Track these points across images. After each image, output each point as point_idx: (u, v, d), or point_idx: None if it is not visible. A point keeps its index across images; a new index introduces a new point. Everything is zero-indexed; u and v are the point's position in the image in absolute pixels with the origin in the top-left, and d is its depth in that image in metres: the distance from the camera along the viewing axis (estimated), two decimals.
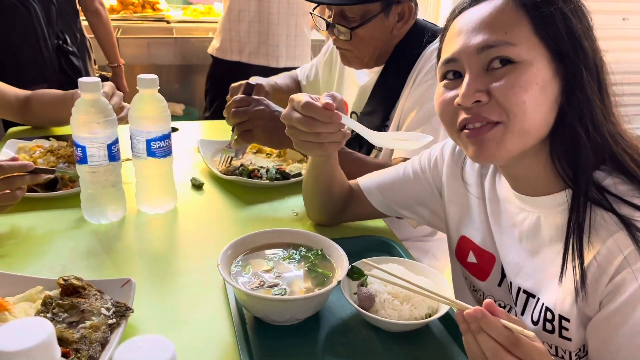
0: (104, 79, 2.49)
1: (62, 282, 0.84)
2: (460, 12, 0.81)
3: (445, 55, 0.80)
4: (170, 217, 1.20)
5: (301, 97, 0.90)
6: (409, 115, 1.27)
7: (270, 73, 2.38)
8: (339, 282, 0.83)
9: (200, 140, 1.50)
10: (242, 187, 1.31)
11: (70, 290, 0.85)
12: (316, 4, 1.41)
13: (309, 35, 2.59)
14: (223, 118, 1.87)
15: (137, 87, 1.12)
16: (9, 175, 1.05)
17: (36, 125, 1.64)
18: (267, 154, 1.51)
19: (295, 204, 1.26)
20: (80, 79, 1.05)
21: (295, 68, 2.48)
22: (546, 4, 0.73)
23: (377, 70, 1.41)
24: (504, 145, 0.75)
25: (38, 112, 1.55)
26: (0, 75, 2.00)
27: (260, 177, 1.30)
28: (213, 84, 2.52)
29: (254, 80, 1.48)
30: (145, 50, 2.99)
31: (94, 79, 1.06)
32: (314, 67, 1.71)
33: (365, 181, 1.12)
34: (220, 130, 1.70)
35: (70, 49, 2.17)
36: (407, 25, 1.35)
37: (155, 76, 1.12)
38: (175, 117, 1.08)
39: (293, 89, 1.73)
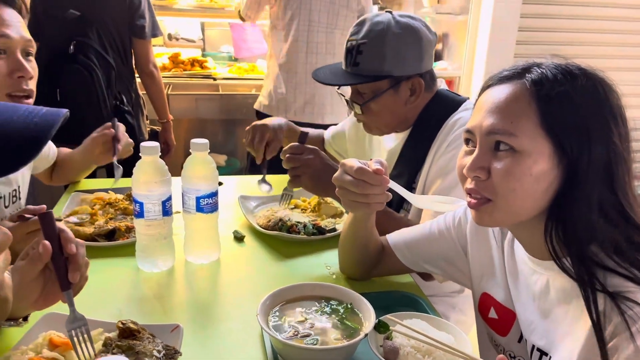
0: (154, 133, 2.70)
1: (121, 326, 0.96)
2: (488, 86, 0.90)
3: (467, 124, 0.91)
4: (214, 268, 1.31)
5: (353, 163, 1.03)
6: (434, 184, 1.35)
7: (316, 127, 2.53)
8: (366, 335, 0.91)
9: (240, 196, 1.63)
10: (281, 240, 1.42)
11: (127, 332, 0.96)
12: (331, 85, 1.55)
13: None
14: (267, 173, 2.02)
15: (190, 150, 1.26)
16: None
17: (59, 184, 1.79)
18: (302, 209, 1.61)
19: (328, 258, 1.36)
20: (142, 144, 1.19)
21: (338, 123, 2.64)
22: (559, 100, 0.80)
23: (402, 137, 1.51)
24: (495, 219, 0.85)
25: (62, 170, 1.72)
26: (65, 133, 2.21)
27: (298, 232, 1.41)
28: None
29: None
30: (193, 105, 3.21)
31: (153, 143, 1.20)
32: (341, 128, 1.83)
33: (394, 238, 1.21)
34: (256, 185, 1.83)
35: (126, 108, 2.39)
36: (421, 98, 1.43)
37: (206, 141, 1.26)
38: (218, 168, 1.22)
39: (318, 142, 1.85)
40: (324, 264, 1.33)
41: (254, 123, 1.61)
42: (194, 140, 1.25)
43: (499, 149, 0.84)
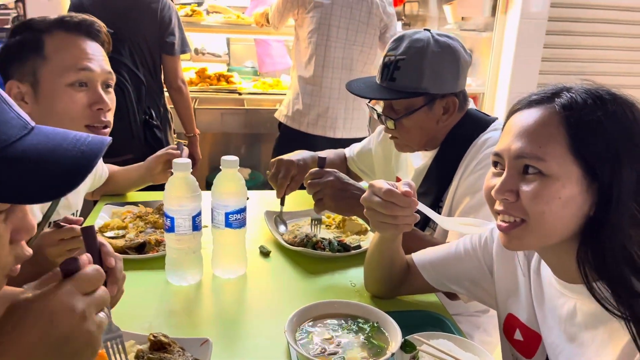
0: (182, 148, 2.76)
1: (152, 338, 0.98)
2: (517, 110, 0.91)
3: (496, 147, 0.92)
4: (241, 282, 1.33)
5: (382, 184, 1.05)
6: (462, 202, 1.36)
7: (329, 143, 2.57)
8: (393, 354, 0.92)
9: (266, 211, 1.65)
10: (306, 257, 1.44)
11: (158, 345, 0.98)
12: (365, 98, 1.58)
13: (366, 108, 2.77)
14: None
15: (220, 167, 1.29)
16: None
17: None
18: (326, 225, 1.63)
19: (353, 275, 1.37)
20: (174, 160, 1.23)
21: (352, 139, 2.66)
22: (589, 126, 0.80)
23: (430, 155, 1.52)
24: (526, 243, 0.86)
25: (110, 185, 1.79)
26: None
27: (324, 249, 1.43)
28: (279, 153, 2.72)
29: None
30: (218, 119, 3.27)
31: (185, 160, 1.24)
32: (366, 145, 1.84)
33: (419, 257, 1.22)
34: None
35: (155, 122, 2.45)
36: (453, 117, 1.44)
37: (236, 158, 1.29)
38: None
39: (337, 163, 1.87)
40: (349, 281, 1.34)
41: (279, 157, 1.61)
42: (224, 158, 1.28)
43: (528, 172, 0.84)
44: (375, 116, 1.50)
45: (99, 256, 0.89)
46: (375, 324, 1.03)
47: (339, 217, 1.63)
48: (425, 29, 1.44)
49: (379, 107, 1.54)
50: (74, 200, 1.48)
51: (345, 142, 2.62)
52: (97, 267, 0.69)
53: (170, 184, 1.24)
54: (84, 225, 0.92)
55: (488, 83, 3.64)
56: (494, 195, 0.88)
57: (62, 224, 1.18)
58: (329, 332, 1.01)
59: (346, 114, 2.65)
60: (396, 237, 1.14)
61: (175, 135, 2.72)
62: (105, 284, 0.86)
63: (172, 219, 1.24)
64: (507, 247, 0.90)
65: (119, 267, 0.92)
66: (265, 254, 1.46)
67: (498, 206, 0.89)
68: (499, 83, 3.59)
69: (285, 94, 2.98)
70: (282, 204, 1.61)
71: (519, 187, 0.85)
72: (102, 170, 1.72)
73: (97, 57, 1.28)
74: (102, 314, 0.68)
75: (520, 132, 0.87)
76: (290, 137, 2.68)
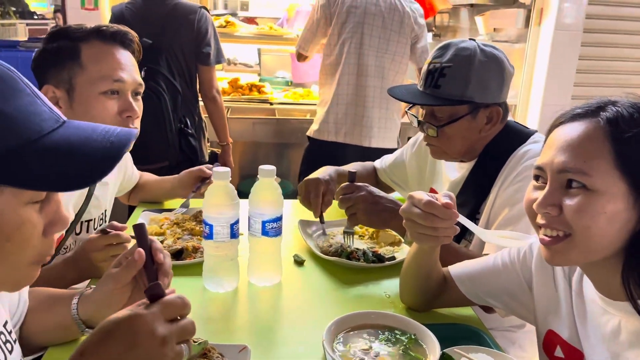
0: (214, 155, 2.81)
1: (193, 344, 1.00)
2: (560, 123, 0.91)
3: (537, 160, 0.91)
4: (276, 290, 1.34)
5: (422, 196, 1.05)
6: (500, 214, 1.35)
7: (363, 152, 2.58)
8: None
9: (300, 220, 1.66)
10: (340, 266, 1.44)
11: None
12: (408, 103, 1.58)
13: (398, 120, 2.78)
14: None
15: (258, 176, 1.31)
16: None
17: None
18: (360, 236, 1.64)
19: (388, 286, 1.37)
20: (215, 169, 1.26)
21: (385, 149, 2.66)
22: (636, 141, 0.80)
23: (467, 167, 1.52)
24: (569, 258, 0.85)
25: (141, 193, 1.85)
26: (132, 155, 2.35)
27: (358, 259, 1.43)
28: (309, 166, 2.74)
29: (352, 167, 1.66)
30: (250, 128, 3.31)
31: (225, 169, 1.26)
32: (399, 156, 1.84)
33: (456, 269, 1.21)
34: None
35: (190, 131, 2.50)
36: (495, 128, 1.44)
37: (273, 167, 1.31)
38: None
39: (366, 175, 1.87)
40: (384, 292, 1.34)
41: (305, 179, 1.62)
42: (262, 167, 1.30)
43: (571, 186, 0.84)
44: (415, 123, 1.50)
45: (149, 252, 0.92)
46: (413, 336, 1.02)
47: (372, 228, 1.63)
48: (470, 39, 1.45)
49: (414, 113, 1.54)
50: (103, 199, 1.52)
51: (378, 152, 2.63)
52: (183, 296, 0.72)
53: (209, 192, 1.26)
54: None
55: (520, 95, 3.60)
56: (536, 208, 0.87)
57: (108, 230, 1.21)
58: (367, 342, 1.01)
59: (380, 123, 2.66)
60: (434, 249, 1.14)
61: (208, 144, 2.76)
62: (156, 278, 0.90)
63: (210, 227, 1.26)
64: (550, 262, 0.89)
65: (168, 263, 0.96)
66: (299, 262, 1.47)
67: (540, 220, 0.88)
68: (532, 95, 3.54)
69: (315, 104, 3.01)
70: (322, 222, 1.61)
71: (562, 201, 0.84)
72: (132, 172, 1.76)
73: (129, 67, 1.33)
74: (183, 346, 0.70)
75: (563, 145, 0.86)
76: (320, 147, 2.70)
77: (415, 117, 1.50)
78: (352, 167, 1.84)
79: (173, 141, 2.42)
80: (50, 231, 0.68)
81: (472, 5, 4.29)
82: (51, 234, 0.68)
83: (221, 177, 1.25)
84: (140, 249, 0.88)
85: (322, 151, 2.68)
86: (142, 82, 1.38)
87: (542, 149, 0.94)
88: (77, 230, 1.44)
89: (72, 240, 1.44)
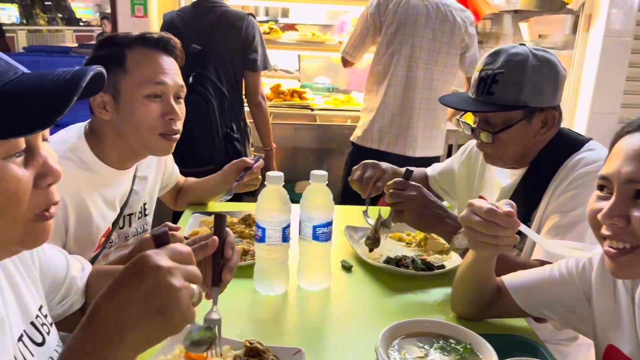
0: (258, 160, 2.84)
1: (248, 345, 1.02)
2: (627, 133, 0.89)
3: (602, 170, 0.89)
4: (326, 295, 1.35)
5: (482, 203, 1.04)
6: (551, 220, 1.32)
7: (406, 162, 2.56)
8: None
9: (346, 226, 1.67)
10: (388, 273, 1.44)
11: (254, 352, 1.01)
12: (461, 111, 1.57)
13: (444, 127, 2.76)
14: (357, 203, 2.05)
15: (310, 181, 1.32)
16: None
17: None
18: (407, 243, 1.63)
19: (437, 294, 1.35)
20: (268, 173, 1.28)
21: (429, 158, 2.64)
22: None
23: (519, 173, 1.50)
24: (636, 271, 0.82)
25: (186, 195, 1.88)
26: (180, 158, 2.41)
27: (407, 267, 1.42)
28: (351, 170, 2.74)
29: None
30: (291, 134, 3.34)
31: (278, 173, 1.28)
32: (449, 164, 1.83)
33: (510, 279, 1.19)
34: (359, 214, 1.86)
35: (236, 135, 2.54)
36: (550, 132, 1.43)
37: (325, 173, 1.32)
38: None
39: (419, 181, 1.86)
40: (434, 301, 1.33)
41: (364, 161, 1.65)
42: (314, 172, 1.31)
43: (638, 196, 0.82)
44: (468, 131, 1.49)
45: (222, 243, 0.95)
46: (469, 346, 1.01)
47: (420, 236, 1.62)
48: (521, 44, 1.44)
49: (466, 120, 1.52)
50: (142, 192, 1.55)
51: (422, 161, 2.61)
52: (189, 249, 0.73)
53: (263, 195, 1.28)
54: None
55: (567, 102, 3.51)
56: (601, 219, 0.85)
57: (161, 229, 1.24)
58: (422, 350, 1.00)
59: (424, 133, 2.64)
60: (492, 258, 1.13)
61: (252, 149, 2.80)
62: (221, 272, 0.92)
63: (263, 230, 1.28)
64: (616, 274, 0.87)
65: (235, 260, 0.98)
66: (347, 268, 1.47)
67: (605, 231, 0.86)
68: (579, 102, 3.45)
69: (357, 110, 3.01)
70: (368, 203, 1.61)
71: (629, 212, 0.82)
72: (172, 170, 1.79)
73: (171, 71, 1.37)
74: (194, 286, 0.71)
75: (631, 155, 0.84)
76: (363, 153, 2.70)
77: (468, 124, 1.49)
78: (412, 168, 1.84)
79: (219, 145, 2.46)
80: (41, 182, 0.68)
81: (516, 11, 4.22)
82: (43, 185, 0.69)
83: (274, 182, 1.27)
84: (215, 238, 0.91)
85: (364, 157, 2.68)
86: (184, 86, 1.41)
87: (607, 158, 0.92)
88: (121, 225, 1.49)
89: (117, 235, 1.49)
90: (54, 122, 0.62)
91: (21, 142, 0.66)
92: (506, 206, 1.02)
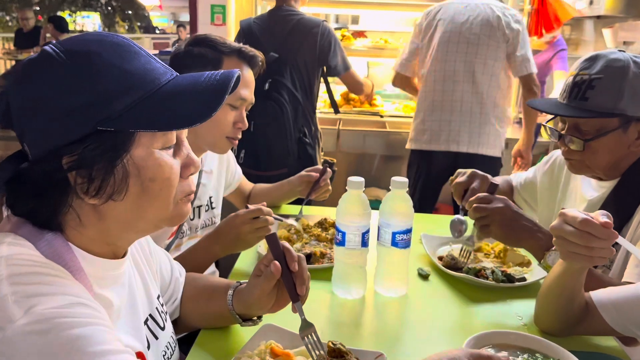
0: (328, 163, 2.88)
1: (331, 345, 1.03)
2: None
3: None
4: (403, 302, 1.35)
5: (576, 213, 1.01)
6: None
7: (453, 158, 2.54)
8: None
9: (423, 234, 1.66)
10: (466, 284, 1.42)
11: (337, 353, 1.03)
12: (552, 116, 1.52)
13: (500, 129, 2.66)
14: (426, 210, 2.03)
15: (390, 187, 1.33)
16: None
17: None
18: (485, 254, 1.59)
19: (519, 308, 1.32)
20: (350, 179, 1.30)
21: (479, 155, 2.58)
22: None
23: (608, 186, 1.43)
24: None
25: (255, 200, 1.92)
26: (255, 162, 2.49)
27: (487, 278, 1.40)
28: (410, 177, 2.75)
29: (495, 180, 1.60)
30: (361, 140, 3.36)
31: (359, 178, 1.30)
32: (531, 175, 1.77)
33: (599, 296, 1.14)
34: (430, 222, 1.85)
35: (308, 140, 2.59)
36: None
37: (405, 179, 1.32)
38: (378, 202, 1.31)
39: (506, 191, 1.81)
40: (515, 314, 1.30)
41: (474, 170, 1.58)
42: (394, 178, 1.32)
43: None
44: (555, 137, 1.44)
45: (284, 259, 1.00)
46: None
47: (499, 247, 1.58)
48: (620, 50, 1.38)
49: (553, 126, 1.48)
50: (209, 186, 1.64)
51: (473, 159, 2.56)
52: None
53: (344, 200, 1.31)
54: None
55: None
56: None
57: (249, 206, 1.37)
58: None
59: (471, 128, 2.58)
60: (583, 271, 1.09)
61: (322, 153, 2.84)
62: (295, 287, 0.96)
63: (343, 234, 1.30)
64: None
65: (303, 266, 1.02)
66: (424, 276, 1.47)
67: None
68: None
69: None
70: (463, 213, 1.54)
71: None
72: (235, 169, 1.86)
73: (251, 86, 1.50)
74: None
75: None
76: (415, 157, 2.75)
77: (556, 131, 1.44)
78: (497, 180, 1.80)
79: (292, 149, 2.52)
80: (186, 173, 0.80)
81: (598, 17, 4.05)
82: (187, 176, 0.80)
83: (355, 187, 1.29)
84: (276, 262, 0.99)
85: (414, 160, 2.73)
86: (254, 101, 1.52)
87: None
88: (191, 216, 1.57)
89: (187, 226, 1.56)
90: (209, 117, 0.73)
91: (174, 136, 0.77)
92: (603, 217, 0.99)
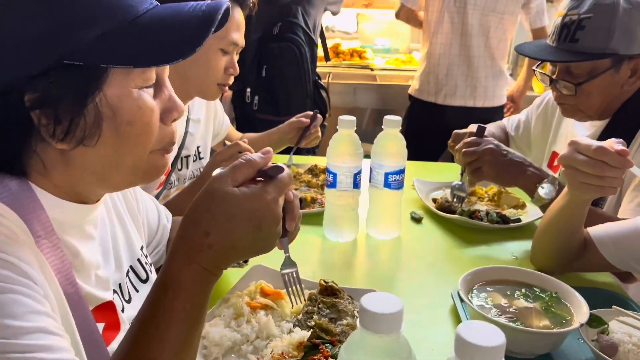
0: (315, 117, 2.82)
1: (324, 283, 1.01)
2: None
3: None
4: (396, 244, 1.32)
5: (589, 141, 0.97)
6: (633, 180, 1.23)
7: (467, 113, 2.46)
8: (582, 325, 0.86)
9: (415, 179, 1.61)
10: (460, 226, 1.39)
11: (329, 291, 1.00)
12: (540, 61, 1.46)
13: (507, 74, 2.61)
14: (420, 158, 1.97)
15: (382, 126, 1.28)
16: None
17: None
18: (479, 197, 1.56)
19: (514, 248, 1.30)
20: (340, 117, 1.24)
21: (493, 107, 2.52)
22: None
23: (598, 125, 1.39)
24: None
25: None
26: (274, 105, 2.40)
27: (481, 219, 1.36)
28: (410, 125, 2.66)
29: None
30: (351, 94, 3.28)
31: (350, 117, 1.24)
32: (524, 118, 1.73)
33: (597, 232, 1.12)
34: (426, 170, 1.81)
35: (322, 82, 2.53)
36: (636, 83, 1.32)
37: (398, 118, 1.27)
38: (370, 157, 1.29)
39: (501, 138, 1.76)
40: (510, 254, 1.27)
41: (471, 131, 1.46)
42: (387, 117, 1.27)
43: None
44: (546, 82, 1.39)
45: None
46: (554, 294, 0.96)
47: (493, 190, 1.55)
48: None
49: (543, 70, 1.42)
50: (197, 135, 1.57)
51: (487, 111, 2.50)
52: (289, 171, 0.72)
53: (335, 140, 1.26)
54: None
55: None
56: None
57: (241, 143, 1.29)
58: (503, 297, 0.96)
59: (487, 82, 2.51)
60: (586, 204, 1.05)
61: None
62: (284, 220, 0.90)
63: (334, 175, 1.26)
64: None
65: (296, 204, 0.95)
66: (417, 219, 1.43)
67: None
68: None
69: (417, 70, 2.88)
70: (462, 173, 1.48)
71: None
72: (222, 117, 1.78)
73: (242, 30, 1.40)
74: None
75: None
76: (421, 106, 2.61)
77: (547, 75, 1.39)
78: (491, 126, 1.74)
79: (311, 93, 2.45)
80: (167, 118, 0.71)
81: None
82: (169, 121, 0.71)
83: (346, 126, 1.24)
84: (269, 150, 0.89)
85: (422, 110, 2.60)
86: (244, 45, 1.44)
87: None
88: (179, 166, 1.51)
89: (176, 177, 1.52)
90: (192, 52, 0.64)
91: (153, 74, 0.68)
92: (617, 144, 0.94)
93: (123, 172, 0.69)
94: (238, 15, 1.39)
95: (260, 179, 0.70)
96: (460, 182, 1.39)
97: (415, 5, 2.65)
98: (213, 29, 0.65)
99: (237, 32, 1.38)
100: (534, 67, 1.47)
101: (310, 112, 1.76)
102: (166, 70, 0.72)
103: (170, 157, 0.76)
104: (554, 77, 1.37)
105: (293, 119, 1.77)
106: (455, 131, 1.54)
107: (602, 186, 0.97)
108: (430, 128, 2.56)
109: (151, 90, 0.68)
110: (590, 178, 0.96)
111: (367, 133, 3.61)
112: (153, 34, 0.65)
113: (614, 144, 0.95)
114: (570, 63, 1.32)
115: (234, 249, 0.66)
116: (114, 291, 0.80)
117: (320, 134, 1.77)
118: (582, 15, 1.28)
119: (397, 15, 2.76)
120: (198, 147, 1.62)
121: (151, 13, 0.67)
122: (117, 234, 0.84)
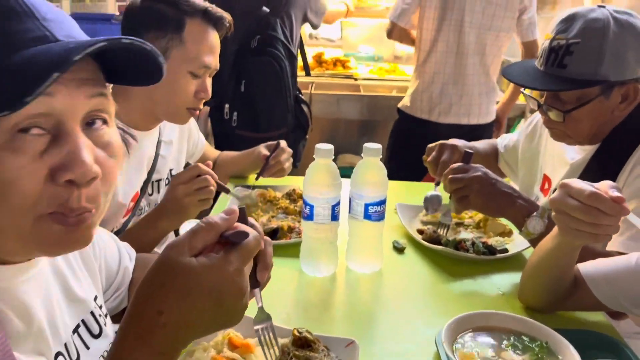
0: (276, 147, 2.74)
1: (297, 334, 0.93)
2: None
3: None
4: (377, 279, 1.25)
5: (582, 185, 0.89)
6: (629, 205, 1.17)
7: (459, 130, 2.40)
8: None
9: (398, 204, 1.54)
10: (445, 257, 1.32)
11: (303, 342, 0.93)
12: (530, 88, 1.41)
13: (498, 89, 2.57)
14: (407, 177, 1.91)
15: (362, 155, 1.21)
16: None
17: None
18: (464, 225, 1.50)
19: (500, 282, 1.23)
20: (317, 146, 1.17)
21: (486, 124, 2.48)
22: None
23: (589, 149, 1.34)
24: None
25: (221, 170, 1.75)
26: (254, 121, 2.32)
27: (467, 250, 1.30)
28: (397, 140, 2.60)
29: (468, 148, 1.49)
30: (334, 105, 3.21)
31: (328, 146, 1.17)
32: (515, 139, 1.67)
33: (588, 269, 1.05)
34: (409, 192, 1.74)
35: (303, 97, 2.45)
36: (631, 106, 1.27)
37: (378, 146, 1.20)
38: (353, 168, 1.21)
39: (491, 155, 1.71)
40: (497, 288, 1.21)
41: (442, 142, 1.48)
42: (367, 145, 1.20)
43: None
44: (534, 106, 1.33)
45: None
46: (545, 344, 0.90)
47: (478, 216, 1.49)
48: (599, 6, 1.25)
49: (531, 94, 1.36)
50: (169, 157, 1.51)
51: (479, 128, 2.45)
52: (256, 235, 0.65)
53: (311, 169, 1.18)
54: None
55: None
56: None
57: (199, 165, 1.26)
58: (490, 349, 0.89)
59: (480, 99, 2.46)
60: (578, 248, 0.99)
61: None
62: (255, 269, 0.81)
63: (311, 207, 1.18)
64: None
65: (269, 252, 0.87)
66: (399, 249, 1.36)
67: None
68: None
69: (403, 80, 2.82)
70: (437, 185, 1.46)
71: None
72: (197, 137, 1.71)
73: (216, 53, 1.35)
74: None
75: None
76: (411, 122, 2.55)
77: (535, 99, 1.33)
78: (481, 143, 1.69)
79: (292, 107, 2.37)
80: (59, 176, 0.55)
81: None
82: (59, 181, 0.55)
83: (324, 155, 1.16)
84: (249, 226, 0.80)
85: (412, 126, 2.54)
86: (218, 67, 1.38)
87: None
88: (150, 191, 1.44)
89: (146, 202, 1.44)
90: (22, 105, 0.50)
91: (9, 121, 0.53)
92: (613, 191, 0.87)
93: (8, 238, 0.57)
94: (212, 38, 1.33)
95: (224, 241, 0.62)
96: (435, 193, 1.39)
97: (408, 24, 2.58)
98: (57, 74, 0.50)
99: (210, 54, 1.32)
100: (521, 90, 1.41)
101: (274, 143, 1.67)
102: (75, 116, 0.57)
103: (94, 224, 0.61)
104: (542, 101, 1.31)
105: (262, 147, 1.69)
106: (429, 146, 1.49)
107: (595, 234, 0.90)
108: (419, 143, 2.49)
109: (39, 140, 0.55)
110: (582, 225, 0.89)
111: (351, 145, 3.55)
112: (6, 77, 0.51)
113: (608, 189, 0.88)
114: (563, 91, 1.27)
115: (191, 328, 0.58)
116: (59, 353, 0.72)
117: (284, 166, 1.67)
118: (570, 40, 1.22)
119: (389, 35, 2.68)
120: (171, 170, 1.54)
121: (35, 51, 0.54)
122: (60, 291, 0.75)
